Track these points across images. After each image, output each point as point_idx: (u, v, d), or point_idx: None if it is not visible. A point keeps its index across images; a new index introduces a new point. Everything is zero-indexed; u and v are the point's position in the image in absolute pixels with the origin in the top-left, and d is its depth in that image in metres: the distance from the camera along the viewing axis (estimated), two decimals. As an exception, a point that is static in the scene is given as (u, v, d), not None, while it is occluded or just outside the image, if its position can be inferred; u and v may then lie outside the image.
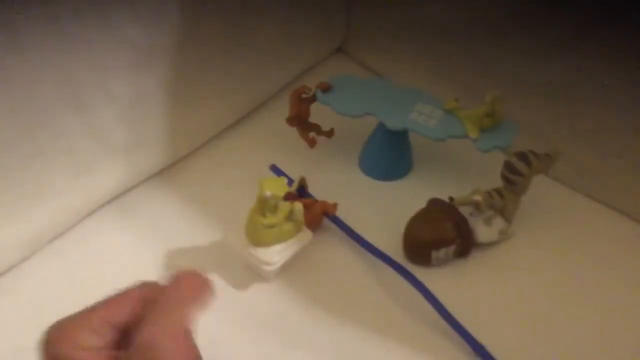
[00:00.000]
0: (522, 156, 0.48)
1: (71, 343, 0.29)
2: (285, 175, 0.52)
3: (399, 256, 0.49)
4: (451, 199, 0.49)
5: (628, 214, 0.54)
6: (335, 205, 0.52)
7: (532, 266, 0.50)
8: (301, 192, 0.52)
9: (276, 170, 0.54)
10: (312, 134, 0.57)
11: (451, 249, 0.49)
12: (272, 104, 0.64)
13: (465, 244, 0.49)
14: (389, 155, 0.56)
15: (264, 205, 0.45)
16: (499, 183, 0.50)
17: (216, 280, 0.49)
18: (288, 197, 0.45)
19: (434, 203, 0.50)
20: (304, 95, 0.54)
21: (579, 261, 0.51)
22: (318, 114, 0.55)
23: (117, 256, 0.51)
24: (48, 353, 0.29)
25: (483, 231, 0.49)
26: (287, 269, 0.49)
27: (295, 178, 0.52)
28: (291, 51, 0.65)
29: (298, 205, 0.47)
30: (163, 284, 0.32)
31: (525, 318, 0.47)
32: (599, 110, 0.59)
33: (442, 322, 0.45)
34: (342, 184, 0.56)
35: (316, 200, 0.51)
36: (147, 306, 0.31)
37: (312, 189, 0.53)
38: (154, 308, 0.30)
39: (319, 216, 0.51)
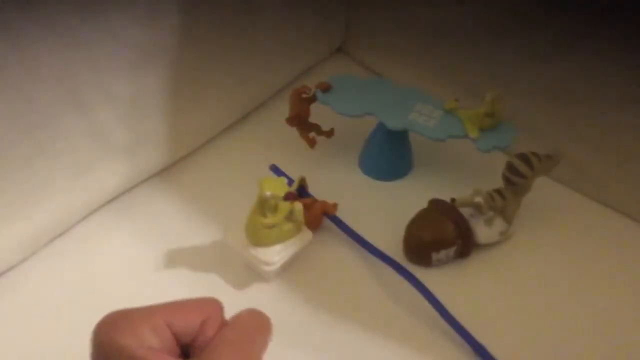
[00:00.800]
0: (524, 158, 0.48)
1: (135, 337, 0.28)
2: (285, 176, 0.52)
3: (399, 256, 0.49)
4: (453, 200, 0.49)
5: (628, 214, 0.54)
6: (335, 205, 0.52)
7: (532, 266, 0.50)
8: (301, 192, 0.52)
9: (276, 170, 0.54)
10: (312, 134, 0.57)
11: (452, 249, 0.49)
12: (272, 104, 0.64)
13: (465, 245, 0.49)
14: (389, 155, 0.56)
15: (264, 205, 0.45)
16: (499, 183, 0.50)
17: (216, 280, 0.49)
18: (288, 197, 0.45)
19: (434, 203, 0.50)
20: (304, 95, 0.54)
21: (579, 261, 0.51)
22: (318, 114, 0.55)
23: (117, 256, 0.51)
24: (108, 339, 0.28)
25: (483, 232, 0.49)
26: (287, 269, 0.49)
27: (295, 178, 0.52)
28: (291, 51, 0.65)
29: (298, 205, 0.47)
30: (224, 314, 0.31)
31: (525, 318, 0.47)
32: (599, 110, 0.59)
33: (442, 322, 0.45)
34: (342, 184, 0.56)
35: (316, 200, 0.51)
36: (208, 326, 0.30)
37: (312, 189, 0.53)
38: (221, 338, 0.29)
39: (319, 216, 0.51)
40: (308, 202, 0.50)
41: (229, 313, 0.31)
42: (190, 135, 0.58)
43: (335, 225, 0.51)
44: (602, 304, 0.48)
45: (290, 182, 0.52)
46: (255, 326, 0.31)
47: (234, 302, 0.47)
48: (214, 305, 0.31)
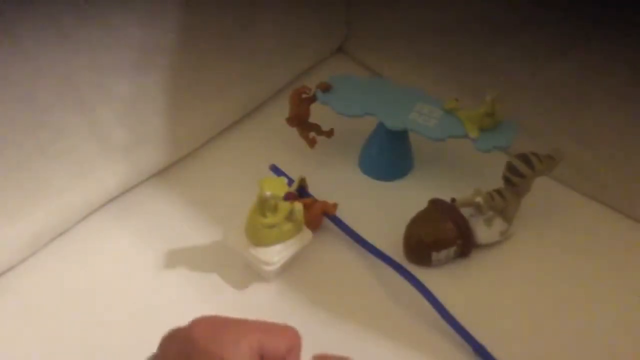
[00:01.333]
0: (524, 158, 0.48)
1: (235, 351, 0.27)
2: (285, 175, 0.52)
3: (399, 256, 0.49)
4: (453, 200, 0.49)
5: (628, 214, 0.54)
6: (335, 205, 0.52)
7: (532, 266, 0.50)
8: (301, 192, 0.52)
9: (276, 170, 0.54)
10: (312, 134, 0.57)
11: (452, 249, 0.49)
12: (272, 104, 0.64)
13: (465, 245, 0.49)
14: (389, 155, 0.56)
15: (264, 205, 0.45)
16: (499, 183, 0.50)
17: (216, 280, 0.49)
18: (288, 197, 0.45)
19: (434, 203, 0.50)
20: (304, 95, 0.54)
21: (579, 261, 0.51)
22: (318, 114, 0.55)
23: (117, 256, 0.51)
24: (205, 342, 0.27)
25: (483, 232, 0.49)
26: (287, 269, 0.49)
27: (296, 178, 0.52)
28: (291, 51, 0.65)
29: (298, 206, 0.47)
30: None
31: (526, 318, 0.47)
32: (599, 110, 0.59)
33: (442, 322, 0.45)
34: (342, 184, 0.56)
35: (316, 200, 0.51)
36: (292, 356, 0.29)
37: (312, 189, 0.53)
38: None
39: (319, 216, 0.51)
40: (308, 202, 0.50)
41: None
42: (190, 135, 0.58)
43: (335, 225, 0.51)
44: (602, 303, 0.48)
45: (290, 182, 0.52)
46: None
47: (234, 302, 0.48)
48: (297, 335, 0.30)
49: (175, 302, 0.47)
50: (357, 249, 0.51)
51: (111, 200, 0.54)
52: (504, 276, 0.50)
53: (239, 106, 0.61)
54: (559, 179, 0.57)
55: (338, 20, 0.70)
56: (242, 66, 0.60)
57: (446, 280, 0.49)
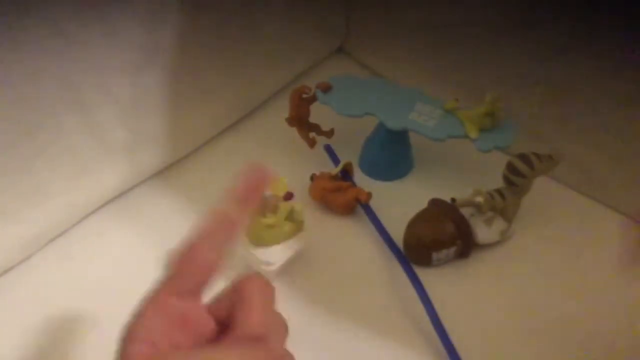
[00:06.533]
0: (524, 158, 0.48)
1: None
2: (336, 157, 0.55)
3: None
4: (453, 200, 0.49)
5: (628, 214, 0.54)
6: (369, 194, 0.52)
7: (532, 266, 0.50)
8: (344, 175, 0.54)
9: (329, 150, 0.57)
10: (312, 134, 0.57)
11: (452, 249, 0.49)
12: (272, 104, 0.64)
13: (465, 245, 0.49)
14: (389, 155, 0.56)
15: (264, 205, 0.45)
16: (499, 183, 0.50)
17: (216, 280, 0.49)
18: (288, 197, 0.45)
19: (434, 203, 0.50)
20: (304, 95, 0.54)
21: (579, 261, 0.51)
22: (318, 114, 0.56)
23: (117, 255, 0.51)
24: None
25: (483, 232, 0.49)
26: (287, 269, 0.49)
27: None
28: (291, 51, 0.65)
29: (298, 206, 0.47)
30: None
31: (526, 318, 0.47)
32: (599, 110, 0.58)
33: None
34: (342, 184, 0.56)
35: (353, 186, 0.52)
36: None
37: (312, 189, 0.53)
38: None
39: (352, 202, 0.52)
40: (344, 185, 0.52)
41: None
42: (190, 135, 0.58)
43: (337, 226, 0.51)
44: (602, 303, 0.48)
45: (337, 163, 0.55)
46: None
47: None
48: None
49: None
50: (357, 250, 0.51)
51: (111, 200, 0.54)
52: (504, 276, 0.50)
53: (239, 106, 0.61)
54: (559, 179, 0.57)
55: (338, 20, 0.70)
56: (242, 66, 0.60)
57: (446, 280, 0.49)
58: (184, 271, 0.29)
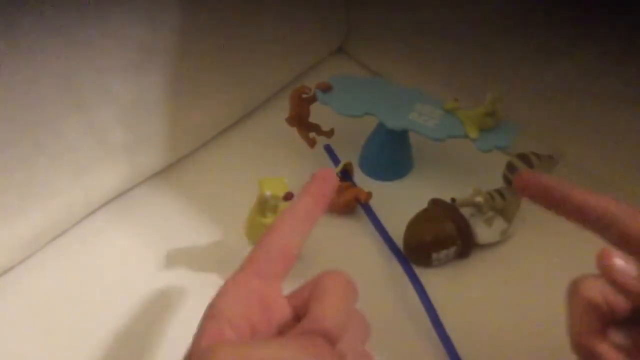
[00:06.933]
0: (524, 157, 0.48)
1: None
2: (336, 157, 0.55)
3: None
4: (453, 200, 0.49)
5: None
6: (369, 194, 0.52)
7: (533, 266, 0.50)
8: (344, 175, 0.54)
9: (329, 151, 0.57)
10: (312, 134, 0.57)
11: (452, 249, 0.49)
12: (272, 104, 0.64)
13: (465, 245, 0.49)
14: (389, 155, 0.56)
15: (264, 205, 0.45)
16: (499, 183, 0.50)
17: (216, 280, 0.49)
18: (288, 197, 0.45)
19: (434, 203, 0.50)
20: (304, 95, 0.54)
21: (579, 261, 0.51)
22: (318, 114, 0.55)
23: (117, 256, 0.51)
24: None
25: (483, 232, 0.49)
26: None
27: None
28: (291, 51, 0.65)
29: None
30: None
31: (526, 319, 0.47)
32: (599, 110, 0.59)
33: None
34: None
35: (353, 186, 0.52)
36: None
37: (312, 189, 0.53)
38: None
39: (351, 201, 0.52)
40: (344, 185, 0.52)
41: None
42: (190, 135, 0.58)
43: (337, 226, 0.51)
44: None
45: (337, 163, 0.55)
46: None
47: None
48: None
49: (176, 302, 0.47)
50: (357, 251, 0.51)
51: (111, 200, 0.54)
52: (504, 276, 0.50)
53: (239, 106, 0.61)
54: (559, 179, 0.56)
55: (338, 20, 0.70)
56: (242, 66, 0.60)
57: (446, 280, 0.49)
58: (268, 253, 0.30)
